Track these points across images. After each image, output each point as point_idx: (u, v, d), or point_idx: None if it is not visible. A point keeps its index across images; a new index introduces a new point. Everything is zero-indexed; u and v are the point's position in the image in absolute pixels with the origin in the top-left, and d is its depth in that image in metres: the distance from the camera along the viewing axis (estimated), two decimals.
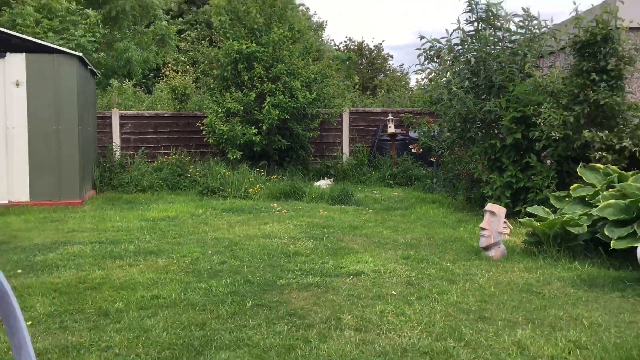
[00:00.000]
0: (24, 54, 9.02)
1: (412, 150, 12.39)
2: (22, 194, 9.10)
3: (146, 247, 6.15)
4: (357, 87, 21.26)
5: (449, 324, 3.86)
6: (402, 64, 37.02)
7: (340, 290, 4.61)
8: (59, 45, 13.76)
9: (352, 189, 10.70)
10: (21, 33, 14.20)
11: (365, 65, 29.90)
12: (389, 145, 13.63)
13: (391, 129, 13.20)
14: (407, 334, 3.68)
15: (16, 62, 9.01)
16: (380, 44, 35.37)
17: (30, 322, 3.91)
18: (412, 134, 13.17)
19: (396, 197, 10.48)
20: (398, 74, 29.39)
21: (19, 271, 5.22)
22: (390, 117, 13.41)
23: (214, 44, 13.68)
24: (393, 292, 4.53)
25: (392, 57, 38.84)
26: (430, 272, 5.14)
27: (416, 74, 15.59)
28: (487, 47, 7.87)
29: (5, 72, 9.01)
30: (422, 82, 13.46)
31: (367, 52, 30.24)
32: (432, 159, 11.77)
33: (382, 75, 29.70)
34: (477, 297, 4.42)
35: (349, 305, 4.23)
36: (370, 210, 8.84)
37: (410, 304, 4.24)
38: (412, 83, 25.30)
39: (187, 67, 20.29)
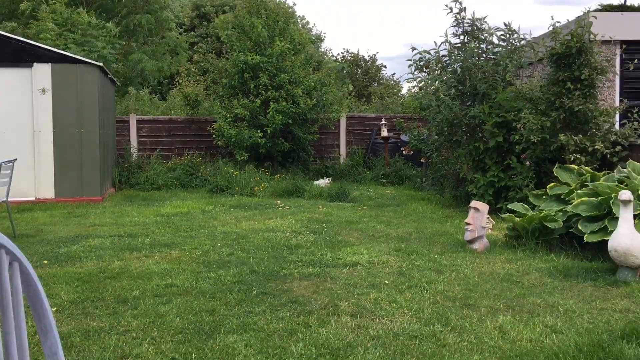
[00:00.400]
0: (50, 64, 9.01)
1: (404, 152, 12.39)
2: (47, 192, 9.10)
3: (161, 240, 6.15)
4: (351, 94, 21.23)
5: (437, 310, 3.86)
6: (394, 73, 36.98)
7: (337, 279, 4.61)
8: (82, 56, 13.77)
9: (348, 187, 10.68)
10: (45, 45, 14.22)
11: (361, 74, 29.85)
12: (382, 147, 13.62)
13: (384, 132, 13.19)
14: (399, 320, 3.69)
15: (43, 71, 9.00)
16: (374, 55, 35.28)
17: (55, 309, 3.91)
18: (404, 137, 13.16)
19: (389, 195, 10.47)
20: (391, 82, 29.39)
21: (45, 262, 5.22)
22: (383, 122, 13.40)
23: (222, 55, 13.66)
24: (386, 282, 4.53)
25: (385, 67, 38.80)
26: (419, 263, 5.14)
27: (407, 82, 15.58)
28: (473, 59, 7.86)
29: (33, 81, 9.00)
30: (413, 90, 13.47)
31: (362, 62, 30.21)
32: (421, 160, 11.78)
33: (375, 84, 29.69)
34: (462, 286, 4.42)
35: (346, 293, 4.23)
36: (365, 207, 8.83)
37: (402, 292, 4.24)
38: (404, 91, 25.28)
39: (198, 77, 20.30)
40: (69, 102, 9.09)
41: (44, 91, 9.01)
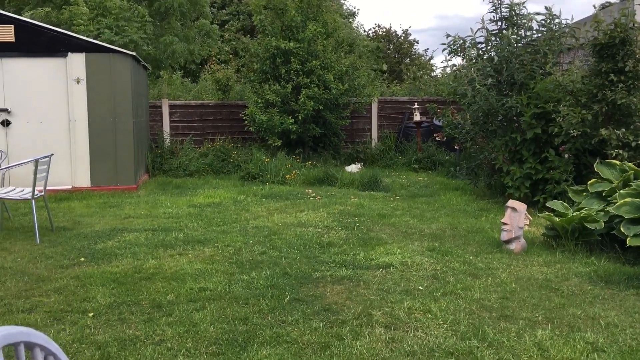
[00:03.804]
0: (84, 53, 9.06)
1: (437, 139, 12.18)
2: (83, 180, 9.24)
3: (194, 235, 6.18)
4: (385, 74, 20.92)
5: (473, 322, 3.78)
6: (427, 49, 36.22)
7: (370, 283, 4.56)
8: (114, 40, 13.84)
9: (380, 174, 10.58)
10: (77, 30, 14.33)
11: (393, 50, 29.39)
12: (414, 131, 13.42)
13: (417, 117, 12.99)
14: (434, 333, 3.62)
15: (77, 60, 9.06)
16: (407, 29, 34.58)
17: (92, 314, 3.96)
18: (437, 122, 12.94)
19: (421, 183, 10.33)
20: (423, 58, 28.83)
21: (82, 259, 5.30)
22: (416, 105, 13.18)
23: (253, 35, 13.56)
24: (420, 287, 4.45)
25: (417, 42, 38.07)
26: (454, 265, 5.04)
27: (442, 63, 15.23)
28: (510, 47, 7.59)
29: (68, 70, 9.08)
30: (447, 70, 13.16)
31: (394, 37, 29.73)
32: (455, 147, 11.56)
33: (407, 60, 29.17)
34: (499, 294, 4.32)
35: (379, 300, 4.18)
36: (398, 197, 8.73)
37: (436, 300, 4.17)
38: (437, 71, 24.81)
39: (230, 55, 20.21)
40: (103, 91, 9.15)
41: (78, 81, 9.09)
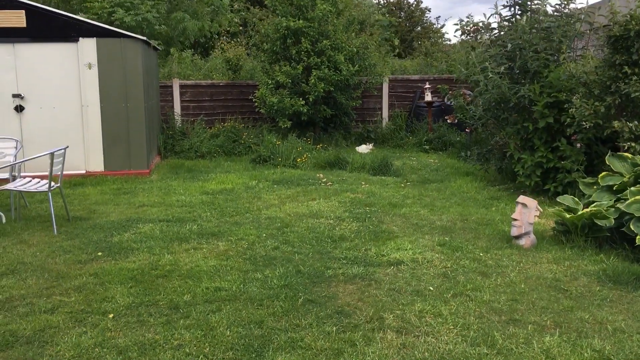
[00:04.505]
0: (95, 38, 9.05)
1: (448, 121, 12.15)
2: (97, 165, 9.34)
3: (208, 227, 6.28)
4: (396, 50, 20.69)
5: (482, 327, 3.87)
6: (439, 16, 35.58)
7: (382, 283, 4.64)
8: (127, 20, 13.78)
9: (390, 155, 10.63)
10: (90, 8, 14.25)
11: (404, 18, 29.00)
12: (425, 111, 13.36)
13: (428, 97, 12.92)
14: (444, 338, 3.71)
15: (88, 46, 9.07)
16: None
17: (112, 315, 4.08)
18: (448, 102, 12.87)
19: (432, 165, 10.35)
20: (434, 26, 28.42)
21: (99, 254, 5.42)
22: (427, 85, 13.09)
23: (263, 6, 13.42)
24: (430, 288, 4.54)
25: (429, 10, 37.44)
26: (464, 262, 5.12)
27: (454, 37, 15.06)
28: (524, 35, 7.50)
29: (79, 55, 9.09)
30: (459, 50, 13.01)
31: (405, 6, 29.32)
32: (467, 130, 11.53)
33: (419, 28, 28.79)
34: (508, 295, 4.39)
35: (391, 302, 4.27)
36: (408, 183, 8.77)
37: (447, 302, 4.25)
38: (448, 34, 24.41)
39: (240, 27, 20.01)
40: (115, 76, 9.18)
41: (90, 66, 9.11)
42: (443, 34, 27.91)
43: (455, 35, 8.32)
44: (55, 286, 4.63)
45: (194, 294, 4.43)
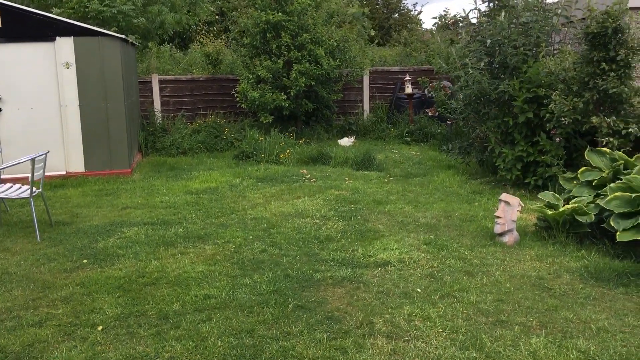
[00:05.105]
0: (72, 37, 8.88)
1: (429, 114, 12.20)
2: (77, 166, 9.21)
3: (193, 229, 6.25)
4: (374, 41, 20.64)
5: (470, 329, 3.92)
6: (416, 3, 35.56)
7: (370, 285, 4.67)
8: (103, 12, 13.49)
9: (372, 148, 10.67)
10: (65, 4, 13.92)
11: (381, 5, 28.88)
12: (406, 102, 13.39)
13: (409, 89, 12.94)
14: (434, 342, 3.76)
15: (65, 45, 8.89)
16: None
17: (101, 327, 4.05)
18: (429, 94, 12.91)
19: (414, 158, 10.41)
20: (412, 12, 28.37)
21: (85, 261, 5.36)
22: (407, 77, 13.11)
23: None
24: (418, 290, 4.58)
25: None
26: (450, 262, 5.17)
27: (433, 33, 15.10)
28: (503, 32, 7.54)
29: (56, 55, 8.92)
30: (439, 40, 13.03)
31: None
32: (447, 122, 11.60)
33: (396, 15, 28.72)
34: (494, 295, 4.46)
35: (380, 306, 4.30)
36: (392, 178, 8.81)
37: (434, 305, 4.30)
38: (425, 24, 24.40)
39: (216, 16, 19.75)
40: (93, 76, 9.02)
41: (67, 65, 8.94)
42: (420, 22, 27.93)
43: (433, 26, 8.36)
44: (41, 297, 4.58)
45: (183, 303, 4.41)
